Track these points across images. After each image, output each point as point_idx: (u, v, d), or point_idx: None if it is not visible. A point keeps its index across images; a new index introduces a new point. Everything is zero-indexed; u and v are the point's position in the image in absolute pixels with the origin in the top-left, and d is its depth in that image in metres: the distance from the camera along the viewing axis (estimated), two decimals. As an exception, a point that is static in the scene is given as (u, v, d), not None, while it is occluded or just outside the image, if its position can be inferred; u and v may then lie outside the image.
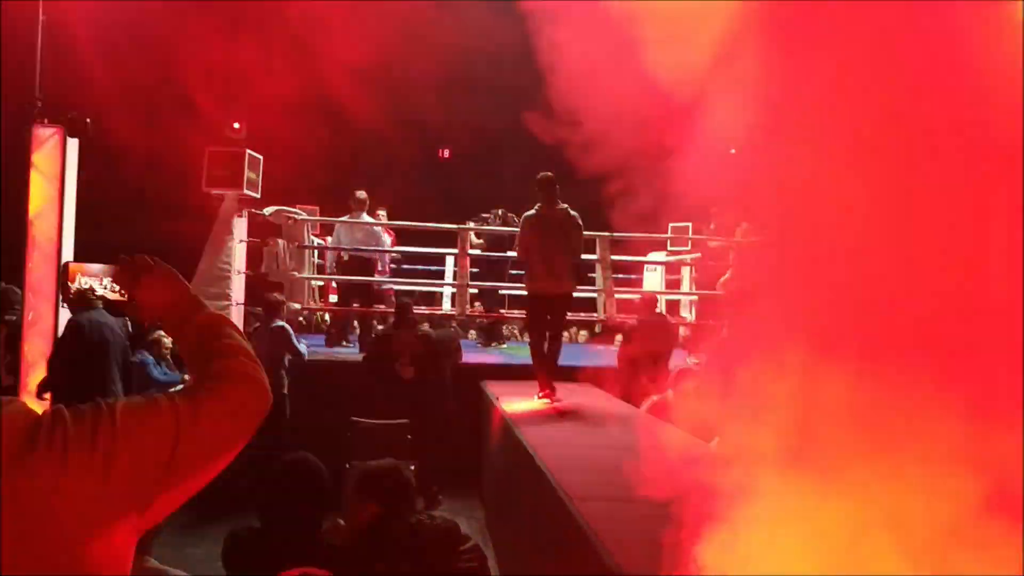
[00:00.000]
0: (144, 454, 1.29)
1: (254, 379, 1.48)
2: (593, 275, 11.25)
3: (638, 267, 12.89)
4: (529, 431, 5.87)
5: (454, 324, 10.55)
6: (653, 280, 12.64)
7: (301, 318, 10.40)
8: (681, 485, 2.92)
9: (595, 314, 11.24)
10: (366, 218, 10.25)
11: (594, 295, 11.15)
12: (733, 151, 3.31)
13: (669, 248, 12.97)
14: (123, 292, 1.59)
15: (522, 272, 8.00)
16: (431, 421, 7.89)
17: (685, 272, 12.54)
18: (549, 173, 7.31)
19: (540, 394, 7.43)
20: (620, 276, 12.55)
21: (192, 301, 1.60)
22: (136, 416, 1.31)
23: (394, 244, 11.28)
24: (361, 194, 10.03)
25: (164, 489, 1.31)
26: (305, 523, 3.10)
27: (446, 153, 19.82)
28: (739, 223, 8.10)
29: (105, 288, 8.16)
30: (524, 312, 8.75)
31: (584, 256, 10.48)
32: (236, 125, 12.96)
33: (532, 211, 7.47)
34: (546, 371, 7.50)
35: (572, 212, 7.38)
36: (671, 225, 12.90)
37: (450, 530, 3.65)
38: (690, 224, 12.37)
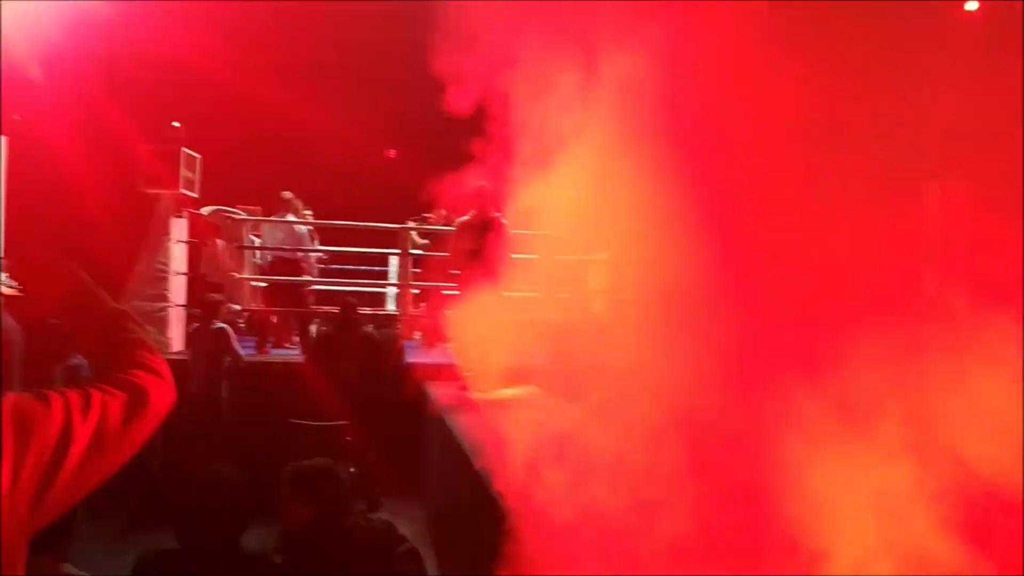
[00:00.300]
0: (32, 451, 1.25)
1: (155, 373, 1.44)
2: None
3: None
4: (465, 428, 5.86)
5: (399, 325, 10.47)
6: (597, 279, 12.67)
7: (241, 321, 10.22)
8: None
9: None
10: (291, 219, 10.11)
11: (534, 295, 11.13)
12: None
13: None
14: (19, 287, 1.54)
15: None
16: (373, 423, 7.83)
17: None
18: (484, 182, 7.54)
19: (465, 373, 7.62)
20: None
21: (91, 295, 1.55)
22: (25, 413, 1.27)
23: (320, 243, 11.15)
24: (286, 194, 9.89)
25: (55, 487, 1.27)
26: (223, 540, 2.97)
27: (392, 153, 19.67)
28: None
29: (-2, 282, 7.90)
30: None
31: (524, 256, 10.64)
32: (175, 124, 12.70)
33: (466, 217, 7.78)
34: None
35: (504, 220, 7.66)
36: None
37: (386, 532, 3.60)
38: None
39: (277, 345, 10.23)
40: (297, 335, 10.38)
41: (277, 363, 9.15)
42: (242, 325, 9.94)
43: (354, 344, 8.05)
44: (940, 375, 2.45)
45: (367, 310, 10.66)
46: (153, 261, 9.15)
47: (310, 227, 10.70)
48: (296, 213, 10.30)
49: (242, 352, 8.21)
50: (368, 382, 7.98)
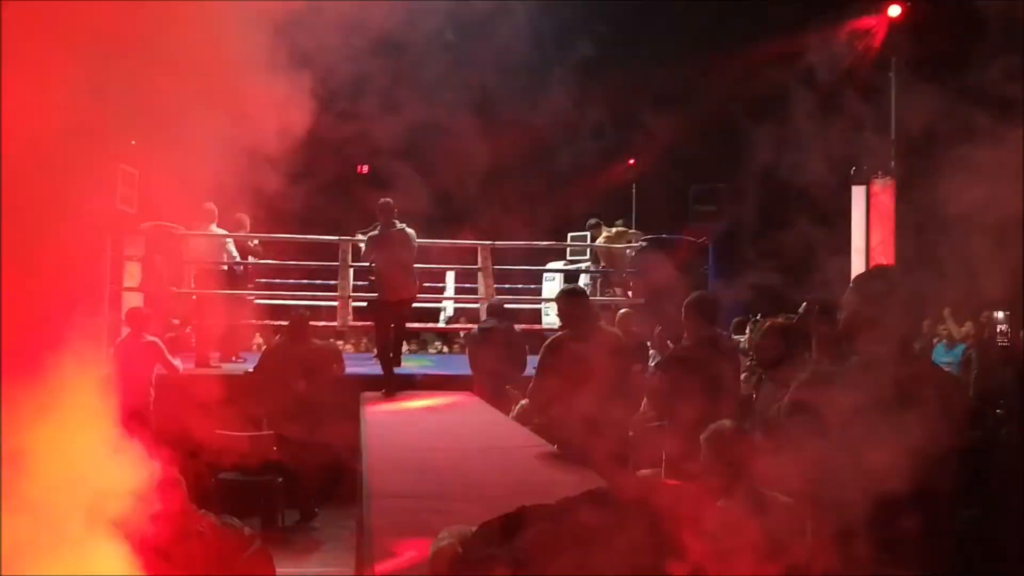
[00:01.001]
0: None
1: None
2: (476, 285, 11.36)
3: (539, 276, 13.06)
4: (375, 434, 5.92)
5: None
6: (551, 288, 12.73)
7: (188, 330, 10.23)
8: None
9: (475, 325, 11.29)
10: (215, 229, 10.08)
11: (476, 305, 11.23)
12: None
13: (568, 257, 13.15)
14: None
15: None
16: (316, 433, 7.85)
17: (583, 279, 12.66)
18: (388, 199, 8.31)
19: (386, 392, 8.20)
20: (520, 286, 12.70)
21: None
22: None
23: (260, 255, 11.12)
24: (208, 206, 9.81)
25: None
26: None
27: (365, 169, 19.62)
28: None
29: None
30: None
31: (466, 266, 11.28)
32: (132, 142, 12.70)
33: (375, 231, 8.59)
34: (390, 368, 8.45)
35: (409, 230, 8.42)
36: (570, 235, 13.11)
37: (234, 535, 3.69)
38: (588, 233, 12.56)
39: (224, 359, 10.18)
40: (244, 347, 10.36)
41: (214, 376, 9.06)
42: (178, 336, 9.90)
43: (304, 356, 8.20)
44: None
45: (321, 323, 10.68)
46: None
47: (254, 240, 10.71)
48: (234, 221, 10.25)
49: (178, 365, 8.25)
50: (316, 393, 8.02)
